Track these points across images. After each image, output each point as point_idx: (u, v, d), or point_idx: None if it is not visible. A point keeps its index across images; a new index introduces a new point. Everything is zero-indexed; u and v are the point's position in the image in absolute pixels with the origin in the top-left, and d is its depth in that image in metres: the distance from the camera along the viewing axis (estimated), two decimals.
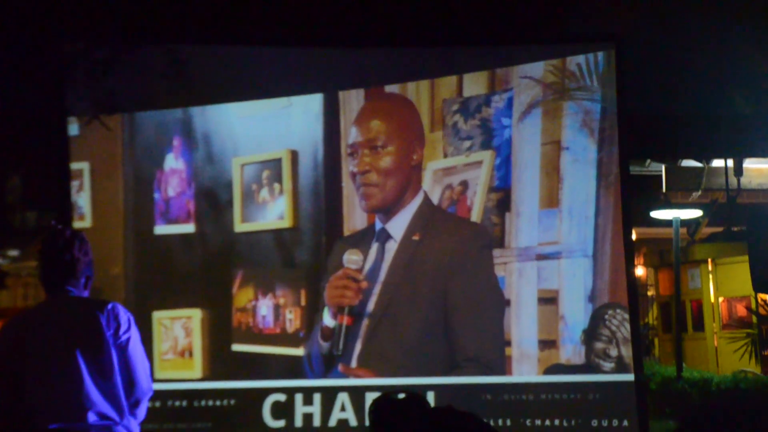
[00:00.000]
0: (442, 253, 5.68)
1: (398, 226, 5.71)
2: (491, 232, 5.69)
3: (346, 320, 5.60)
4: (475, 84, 5.82)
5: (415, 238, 5.69)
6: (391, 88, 5.89)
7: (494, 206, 5.69)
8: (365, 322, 5.65)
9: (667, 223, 12.20)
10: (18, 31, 6.24)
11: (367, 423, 3.49)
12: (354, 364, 5.66)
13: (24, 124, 6.68)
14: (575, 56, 5.76)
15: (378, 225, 5.74)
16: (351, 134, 5.80)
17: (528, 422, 5.54)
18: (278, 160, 5.86)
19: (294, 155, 5.85)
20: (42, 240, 3.50)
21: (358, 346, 5.66)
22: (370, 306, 5.66)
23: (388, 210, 5.73)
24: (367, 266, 5.70)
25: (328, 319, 5.68)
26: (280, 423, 5.64)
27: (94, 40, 5.87)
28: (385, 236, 5.71)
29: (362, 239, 5.73)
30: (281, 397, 5.67)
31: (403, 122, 5.85)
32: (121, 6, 6.26)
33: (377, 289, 5.68)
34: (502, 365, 5.59)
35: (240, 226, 5.88)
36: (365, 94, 5.87)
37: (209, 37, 6.20)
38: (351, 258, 5.68)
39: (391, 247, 5.70)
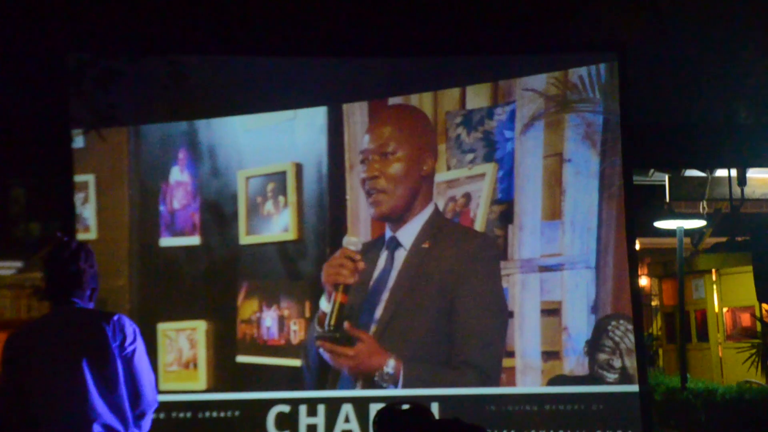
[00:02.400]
0: (450, 261, 5.69)
1: (408, 234, 5.72)
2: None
3: (340, 297, 5.55)
4: (477, 96, 5.84)
5: (425, 246, 5.69)
6: (395, 101, 5.91)
7: (497, 218, 5.70)
8: (373, 329, 5.65)
9: (671, 233, 12.19)
10: (23, 43, 6.27)
11: None
12: None
13: (29, 135, 6.71)
14: (577, 68, 5.78)
15: (388, 233, 5.75)
16: (363, 141, 5.81)
17: None
18: (283, 173, 5.88)
19: (298, 168, 5.87)
20: (48, 251, 3.49)
21: None
22: (378, 312, 5.66)
23: (398, 218, 5.74)
24: (376, 273, 5.71)
25: (324, 304, 5.67)
26: None
27: (99, 51, 5.89)
28: (394, 244, 5.72)
29: (371, 249, 5.74)
30: (285, 409, 5.67)
31: (414, 130, 5.86)
32: (124, 17, 6.30)
33: (385, 296, 5.67)
34: (497, 373, 5.60)
35: (245, 239, 5.89)
36: (369, 107, 5.89)
37: (212, 47, 6.22)
38: (350, 240, 5.68)
39: (401, 255, 5.70)
